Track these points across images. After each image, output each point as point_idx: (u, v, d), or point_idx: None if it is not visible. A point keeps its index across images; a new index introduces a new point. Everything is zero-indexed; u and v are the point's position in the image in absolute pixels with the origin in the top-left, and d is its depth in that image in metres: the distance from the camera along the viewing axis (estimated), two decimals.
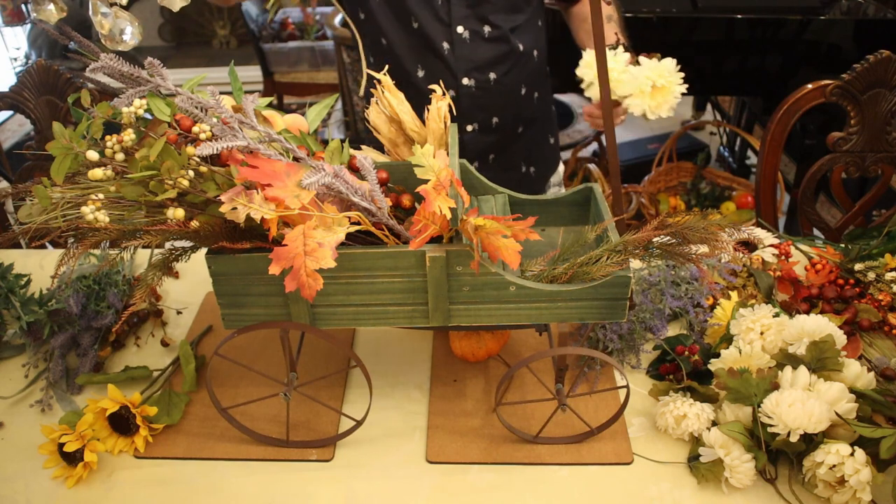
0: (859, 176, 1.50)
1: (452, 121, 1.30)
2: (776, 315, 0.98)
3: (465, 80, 1.27)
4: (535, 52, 1.34)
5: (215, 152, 0.73)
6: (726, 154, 3.46)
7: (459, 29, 1.24)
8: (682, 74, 1.09)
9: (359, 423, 0.93)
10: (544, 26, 1.37)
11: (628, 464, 0.90)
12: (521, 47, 1.30)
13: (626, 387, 0.89)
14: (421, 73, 1.27)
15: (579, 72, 1.11)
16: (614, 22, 1.29)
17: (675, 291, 1.10)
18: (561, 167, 1.57)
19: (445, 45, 1.24)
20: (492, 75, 1.28)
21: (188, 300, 1.23)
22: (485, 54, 1.27)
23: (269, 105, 0.94)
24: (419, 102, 0.98)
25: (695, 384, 0.94)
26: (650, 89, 1.08)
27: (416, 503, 0.87)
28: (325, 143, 0.96)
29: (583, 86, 1.12)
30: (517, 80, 1.33)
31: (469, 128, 1.33)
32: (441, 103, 0.94)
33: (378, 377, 1.04)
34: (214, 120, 0.77)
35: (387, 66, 1.01)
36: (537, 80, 1.38)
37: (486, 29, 1.25)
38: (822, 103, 1.46)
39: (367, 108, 0.98)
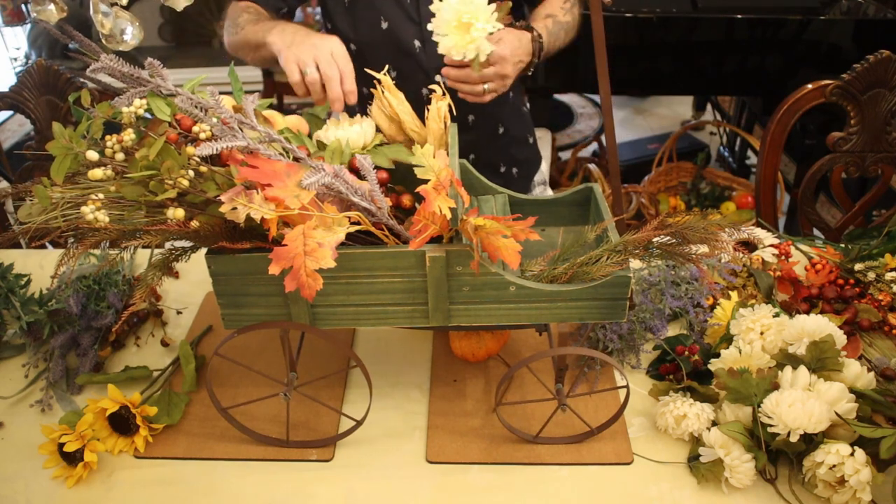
0: (859, 176, 1.50)
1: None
2: (776, 315, 0.98)
3: (438, 77, 1.27)
4: None
5: (215, 152, 0.73)
6: (726, 154, 3.46)
7: (430, 26, 1.24)
8: (494, 14, 0.99)
9: (359, 423, 0.93)
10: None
11: (628, 464, 0.90)
12: None
13: (626, 387, 0.89)
14: (394, 73, 1.28)
15: (434, 7, 1.01)
16: (554, 21, 1.28)
17: (675, 291, 1.10)
18: (544, 165, 1.57)
19: (416, 44, 1.25)
20: None
21: (188, 300, 1.23)
22: None
23: (269, 106, 0.94)
24: None
25: (695, 384, 0.94)
26: (455, 25, 0.99)
27: (416, 503, 0.87)
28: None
29: (432, 26, 1.03)
30: None
31: None
32: (441, 103, 0.93)
33: (378, 377, 1.04)
34: (214, 120, 0.77)
35: (386, 67, 1.01)
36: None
37: None
38: (822, 103, 1.46)
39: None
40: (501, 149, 1.43)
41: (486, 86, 1.14)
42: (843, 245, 1.26)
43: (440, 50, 1.05)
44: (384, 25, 1.24)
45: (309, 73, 1.03)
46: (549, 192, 1.59)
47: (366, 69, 1.00)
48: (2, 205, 1.55)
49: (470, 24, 0.97)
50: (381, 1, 1.23)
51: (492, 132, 1.39)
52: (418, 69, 1.27)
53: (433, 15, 1.22)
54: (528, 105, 1.49)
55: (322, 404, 0.96)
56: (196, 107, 0.77)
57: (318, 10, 4.05)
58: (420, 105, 1.27)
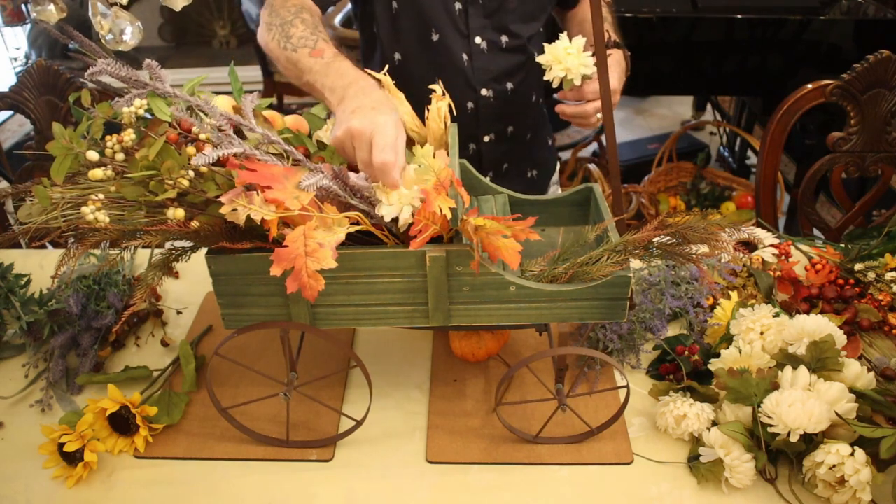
0: (859, 176, 1.50)
1: (471, 132, 1.30)
2: (776, 315, 0.98)
3: (484, 91, 1.27)
4: None
5: (211, 161, 0.73)
6: (726, 154, 3.46)
7: (477, 40, 1.24)
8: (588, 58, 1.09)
9: (359, 423, 0.93)
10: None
11: (628, 464, 0.90)
12: (536, 55, 1.30)
13: (626, 387, 0.89)
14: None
15: (542, 59, 1.09)
16: (608, 23, 1.28)
17: (675, 291, 1.10)
18: (557, 165, 1.57)
19: (464, 57, 1.24)
20: (509, 85, 1.29)
21: (188, 300, 1.23)
22: (502, 65, 1.27)
23: (269, 106, 0.94)
24: None
25: (695, 384, 0.94)
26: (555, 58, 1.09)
27: (416, 503, 0.87)
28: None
29: (548, 76, 1.09)
30: (530, 88, 1.34)
31: (486, 138, 1.33)
32: (441, 103, 0.93)
33: (378, 377, 1.03)
34: (213, 122, 0.77)
35: (386, 67, 1.01)
36: (542, 85, 1.39)
37: (504, 39, 1.25)
38: (822, 103, 1.46)
39: None
40: (529, 154, 1.43)
41: (598, 115, 1.14)
42: (843, 245, 1.26)
43: (546, 76, 1.10)
44: (435, 37, 1.22)
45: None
46: (559, 191, 1.60)
47: (366, 70, 1.00)
48: (2, 205, 1.55)
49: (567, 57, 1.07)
50: (432, 12, 1.21)
51: (523, 139, 1.39)
52: (465, 83, 1.26)
53: (481, 28, 1.23)
54: (545, 106, 1.49)
55: (322, 404, 0.96)
56: (194, 113, 0.77)
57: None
58: (464, 118, 1.27)
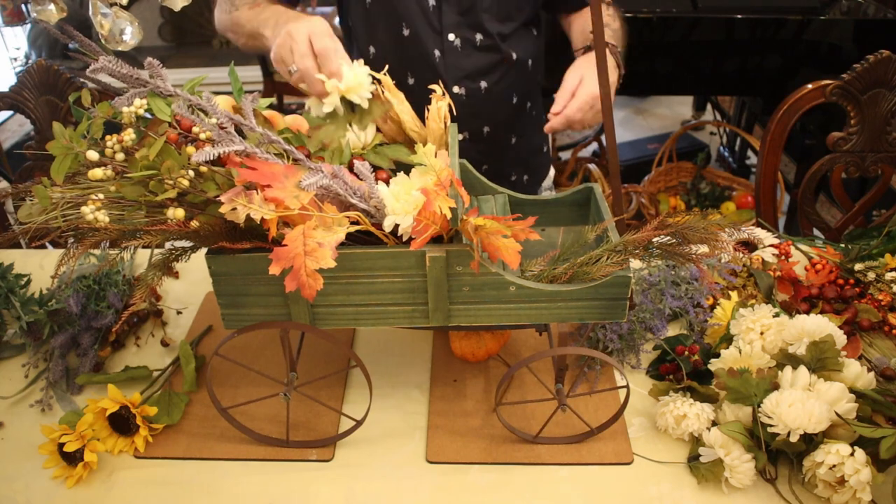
0: (859, 176, 1.50)
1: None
2: (776, 315, 0.98)
3: (456, 89, 1.27)
4: (530, 62, 1.33)
5: (212, 158, 0.73)
6: (726, 154, 3.47)
7: (451, 37, 1.23)
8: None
9: (359, 423, 0.93)
10: (541, 36, 1.36)
11: (628, 464, 0.90)
12: (514, 56, 1.28)
13: (626, 387, 0.89)
14: (411, 81, 1.27)
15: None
16: (612, 30, 1.26)
17: (675, 291, 1.10)
18: (552, 171, 1.56)
19: (437, 53, 1.24)
20: (483, 84, 1.28)
21: (188, 300, 1.23)
22: (476, 63, 1.26)
23: (269, 106, 0.94)
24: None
25: (695, 384, 0.94)
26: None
27: (415, 503, 0.87)
28: None
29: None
30: (509, 90, 1.33)
31: (459, 136, 1.32)
32: (441, 103, 0.93)
33: (378, 377, 1.04)
34: (213, 121, 0.77)
35: (386, 67, 1.01)
36: (530, 90, 1.37)
37: (478, 37, 1.24)
38: (822, 103, 1.46)
39: None
40: (513, 159, 1.42)
41: (588, 129, 1.14)
42: (843, 245, 1.26)
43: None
44: (406, 32, 1.22)
45: (292, 71, 0.98)
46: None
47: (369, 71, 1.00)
48: (2, 205, 1.55)
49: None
50: (404, 7, 1.21)
51: (505, 143, 1.38)
52: (436, 78, 1.25)
53: (454, 25, 1.22)
54: (544, 115, 1.47)
55: (322, 404, 0.96)
56: (193, 111, 0.77)
57: (318, 10, 4.05)
58: None
